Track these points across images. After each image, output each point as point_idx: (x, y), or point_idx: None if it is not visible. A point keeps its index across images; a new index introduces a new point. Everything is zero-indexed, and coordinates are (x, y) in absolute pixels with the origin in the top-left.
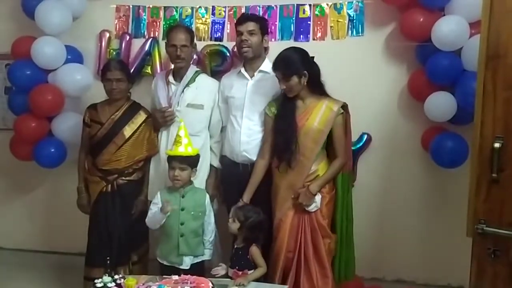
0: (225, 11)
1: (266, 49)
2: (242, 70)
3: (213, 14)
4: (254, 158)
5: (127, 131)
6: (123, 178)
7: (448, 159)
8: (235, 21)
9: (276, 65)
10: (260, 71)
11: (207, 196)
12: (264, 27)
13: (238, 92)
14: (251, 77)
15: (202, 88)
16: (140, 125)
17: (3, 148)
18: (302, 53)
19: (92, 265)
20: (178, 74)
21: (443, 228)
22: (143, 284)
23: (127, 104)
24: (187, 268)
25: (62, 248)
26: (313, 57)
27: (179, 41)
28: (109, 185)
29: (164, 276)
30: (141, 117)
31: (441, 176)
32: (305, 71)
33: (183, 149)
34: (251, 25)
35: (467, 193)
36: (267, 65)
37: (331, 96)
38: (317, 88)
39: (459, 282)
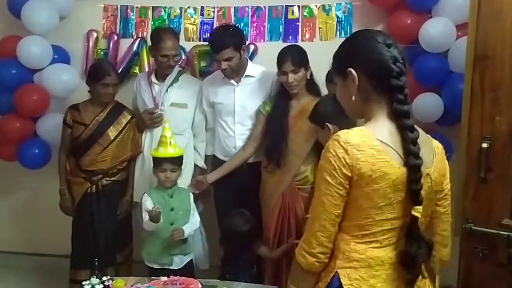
0: (214, 12)
1: (254, 51)
2: None
3: (202, 14)
4: (248, 159)
5: (112, 132)
6: (108, 178)
7: None
8: (223, 21)
9: (284, 57)
10: (246, 75)
11: (191, 194)
12: (238, 43)
13: (226, 98)
14: (237, 82)
15: (186, 88)
16: (125, 126)
17: None
18: (304, 49)
19: (78, 267)
20: (160, 74)
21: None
22: (132, 286)
23: (111, 105)
24: (178, 268)
25: (47, 250)
26: None
27: (172, 50)
28: (94, 186)
29: (152, 277)
30: (125, 118)
31: None
32: (309, 67)
33: (172, 150)
34: (226, 53)
35: (454, 193)
36: (251, 69)
37: None
38: (313, 88)
39: (447, 281)
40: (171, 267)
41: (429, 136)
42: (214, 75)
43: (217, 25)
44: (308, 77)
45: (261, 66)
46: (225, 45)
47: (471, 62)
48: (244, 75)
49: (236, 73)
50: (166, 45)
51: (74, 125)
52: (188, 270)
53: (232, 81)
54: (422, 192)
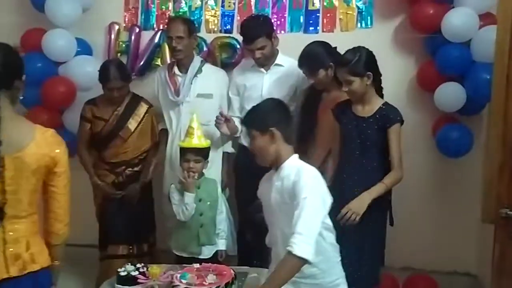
0: (234, 3)
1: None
2: (256, 65)
3: (222, 6)
4: None
5: (132, 124)
6: (130, 169)
7: (453, 149)
8: (244, 12)
9: (301, 62)
10: (276, 64)
11: (219, 185)
12: (269, 32)
13: (255, 85)
14: (266, 70)
15: (210, 78)
16: (143, 116)
17: None
18: (325, 45)
19: (112, 242)
20: (182, 66)
21: (450, 217)
22: (165, 273)
23: (128, 98)
24: (206, 257)
25: (71, 240)
26: (335, 47)
27: (174, 32)
28: (120, 177)
29: (184, 265)
30: (143, 108)
31: (449, 165)
32: (331, 63)
33: (197, 141)
34: (259, 42)
35: (476, 182)
36: (281, 59)
37: None
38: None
39: (465, 269)
40: (200, 257)
41: (38, 126)
42: (244, 63)
43: (238, 17)
44: (332, 74)
45: (291, 58)
46: (257, 35)
47: (506, 49)
48: (273, 64)
49: (267, 61)
50: (169, 27)
51: (94, 120)
52: (215, 260)
53: (262, 68)
54: (8, 174)
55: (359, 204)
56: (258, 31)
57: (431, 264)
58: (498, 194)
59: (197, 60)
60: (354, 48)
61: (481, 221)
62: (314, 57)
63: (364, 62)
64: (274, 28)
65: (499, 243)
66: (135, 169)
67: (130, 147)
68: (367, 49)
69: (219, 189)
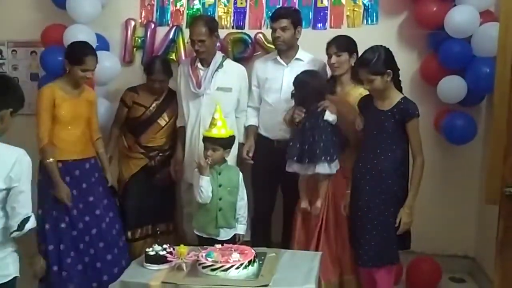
0: (246, 1)
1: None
2: (278, 58)
3: (235, 3)
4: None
5: (168, 114)
6: (162, 154)
7: (458, 136)
8: (256, 9)
9: (330, 42)
10: (297, 59)
11: (240, 173)
12: (296, 20)
13: (275, 77)
14: (287, 64)
15: (230, 72)
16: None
17: (31, 132)
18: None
19: (141, 224)
20: (205, 60)
21: (449, 203)
22: (188, 254)
23: (166, 91)
24: (224, 239)
25: None
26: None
27: (196, 35)
28: (152, 161)
29: (205, 246)
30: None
31: (449, 153)
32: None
33: (216, 131)
34: (283, 22)
35: (475, 170)
36: (301, 53)
37: None
38: (357, 77)
39: (464, 252)
40: (217, 238)
41: None
42: (265, 57)
43: (250, 13)
44: (352, 64)
45: (310, 54)
46: (284, 15)
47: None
48: (294, 58)
49: (287, 51)
50: (192, 30)
51: (134, 106)
52: (232, 242)
53: (283, 62)
54: None
55: (407, 217)
56: (285, 13)
57: (432, 248)
58: (503, 175)
59: (218, 55)
60: (372, 47)
61: (484, 202)
62: (348, 40)
63: (383, 60)
64: (301, 24)
65: (503, 219)
66: (166, 154)
67: (165, 134)
68: (385, 46)
69: (241, 177)
